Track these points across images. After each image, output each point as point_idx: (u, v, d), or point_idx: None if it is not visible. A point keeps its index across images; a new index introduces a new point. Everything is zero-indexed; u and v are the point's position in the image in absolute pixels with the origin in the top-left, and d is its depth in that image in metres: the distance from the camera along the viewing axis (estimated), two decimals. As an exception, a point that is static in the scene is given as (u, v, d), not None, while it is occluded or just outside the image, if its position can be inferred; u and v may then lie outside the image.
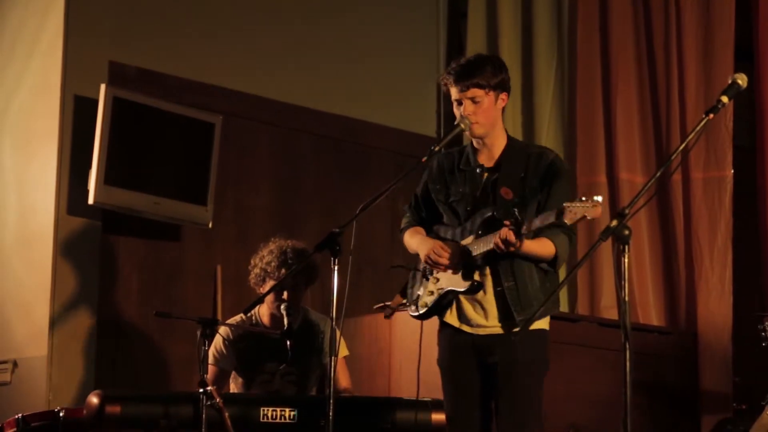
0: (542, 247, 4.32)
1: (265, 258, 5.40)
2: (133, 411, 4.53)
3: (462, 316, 4.42)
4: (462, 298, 4.41)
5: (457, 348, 4.46)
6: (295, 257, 5.36)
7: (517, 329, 4.29)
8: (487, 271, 4.36)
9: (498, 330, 4.35)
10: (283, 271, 5.32)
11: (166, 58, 6.32)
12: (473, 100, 4.37)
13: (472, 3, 7.35)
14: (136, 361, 6.08)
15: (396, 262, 7.13)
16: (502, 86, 4.41)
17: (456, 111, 4.43)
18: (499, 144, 4.47)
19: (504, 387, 4.34)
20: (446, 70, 4.49)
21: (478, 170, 4.47)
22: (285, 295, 5.29)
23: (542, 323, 4.38)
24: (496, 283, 4.34)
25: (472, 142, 4.52)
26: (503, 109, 4.47)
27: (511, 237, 4.15)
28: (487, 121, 4.40)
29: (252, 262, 5.47)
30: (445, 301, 4.44)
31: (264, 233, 5.81)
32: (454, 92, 4.42)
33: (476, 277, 4.37)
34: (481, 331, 4.39)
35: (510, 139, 4.51)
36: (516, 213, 4.16)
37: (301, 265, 5.16)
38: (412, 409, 4.95)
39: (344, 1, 7.11)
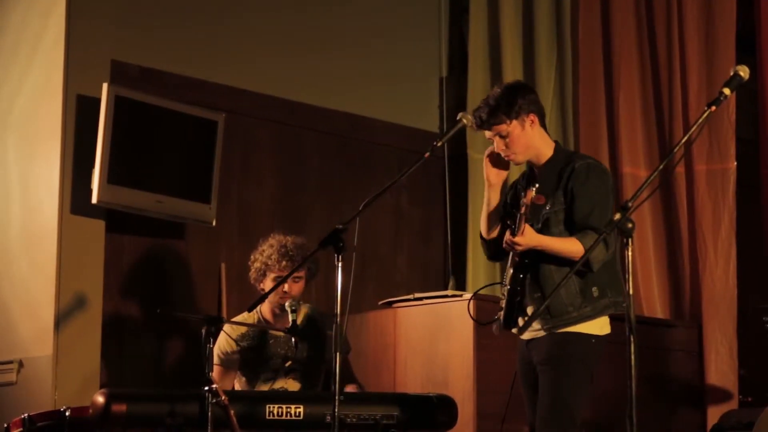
0: (566, 244, 4.35)
1: (265, 252, 5.43)
2: (138, 409, 4.54)
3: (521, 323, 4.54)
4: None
5: (520, 352, 4.59)
6: (295, 250, 5.38)
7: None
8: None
9: (538, 334, 4.45)
10: (284, 263, 5.35)
11: (168, 56, 6.32)
12: (500, 135, 4.50)
13: (473, -3, 7.36)
14: (141, 360, 6.08)
15: (399, 257, 7.19)
16: (525, 110, 4.49)
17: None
18: (544, 158, 4.56)
19: (539, 385, 4.44)
20: (472, 112, 4.59)
21: (527, 185, 4.54)
22: (287, 287, 5.30)
23: (582, 327, 4.39)
24: (531, 294, 4.45)
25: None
26: (542, 123, 4.55)
27: (508, 237, 4.31)
28: (522, 148, 4.52)
29: (252, 257, 5.48)
30: (511, 310, 4.50)
31: (268, 230, 5.81)
32: (485, 133, 4.57)
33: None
34: (527, 336, 4.51)
35: (555, 152, 4.56)
36: (516, 213, 4.27)
37: (310, 255, 5.17)
38: (417, 404, 4.95)
39: (346, -3, 7.12)
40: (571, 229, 4.42)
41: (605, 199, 4.47)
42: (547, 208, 4.40)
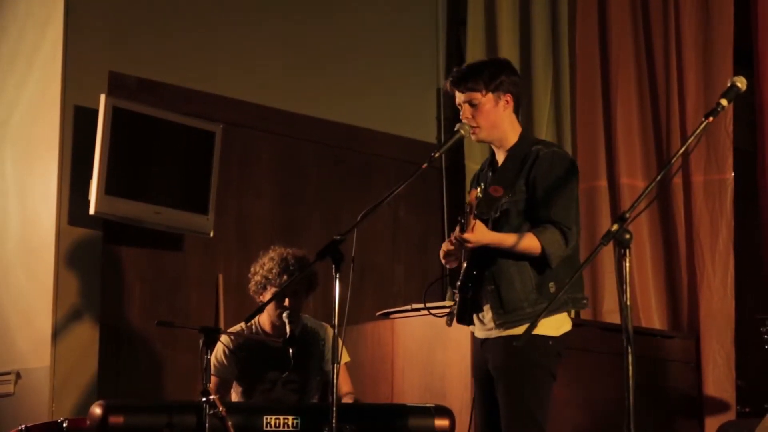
0: (522, 241, 4.17)
1: (266, 265, 5.40)
2: (136, 421, 4.53)
3: (478, 320, 4.38)
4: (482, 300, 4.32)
5: (476, 352, 4.44)
6: (296, 263, 5.36)
7: (504, 334, 4.24)
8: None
9: (492, 334, 4.31)
10: (285, 277, 5.32)
11: (165, 67, 6.32)
12: (471, 103, 4.34)
13: (471, 10, 7.35)
14: (138, 371, 6.07)
15: (397, 268, 7.18)
16: (503, 88, 4.34)
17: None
18: (508, 144, 4.38)
19: (498, 393, 4.29)
20: (453, 70, 4.47)
21: (489, 173, 4.44)
22: (286, 302, 5.29)
23: (540, 329, 4.13)
24: (485, 287, 4.28)
25: (491, 145, 4.47)
26: (516, 110, 4.39)
27: (457, 233, 4.14)
28: (488, 124, 4.34)
29: (252, 270, 5.46)
30: (464, 306, 4.34)
31: (265, 241, 5.81)
32: (456, 97, 4.40)
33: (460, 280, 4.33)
34: (481, 335, 4.37)
35: (521, 138, 4.39)
36: (467, 209, 4.10)
37: (305, 271, 5.17)
38: (415, 414, 4.95)
39: (344, 9, 7.11)
40: (532, 219, 4.25)
41: (569, 191, 4.28)
42: (507, 197, 4.22)
